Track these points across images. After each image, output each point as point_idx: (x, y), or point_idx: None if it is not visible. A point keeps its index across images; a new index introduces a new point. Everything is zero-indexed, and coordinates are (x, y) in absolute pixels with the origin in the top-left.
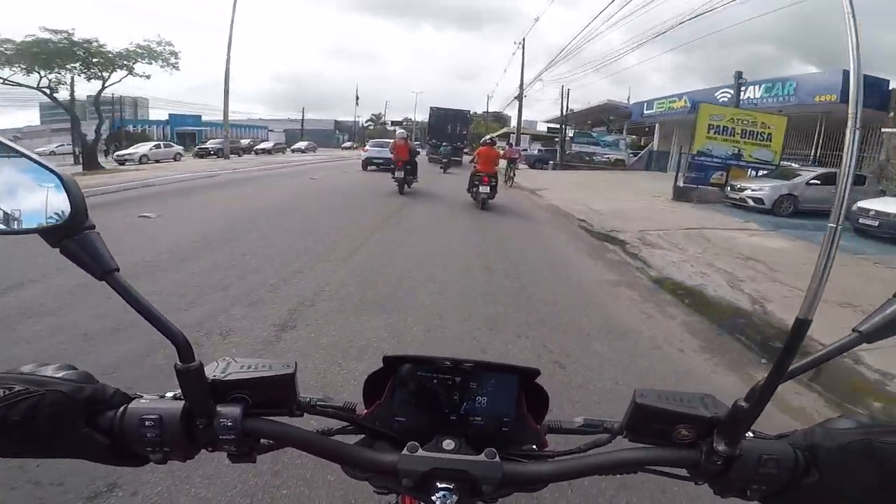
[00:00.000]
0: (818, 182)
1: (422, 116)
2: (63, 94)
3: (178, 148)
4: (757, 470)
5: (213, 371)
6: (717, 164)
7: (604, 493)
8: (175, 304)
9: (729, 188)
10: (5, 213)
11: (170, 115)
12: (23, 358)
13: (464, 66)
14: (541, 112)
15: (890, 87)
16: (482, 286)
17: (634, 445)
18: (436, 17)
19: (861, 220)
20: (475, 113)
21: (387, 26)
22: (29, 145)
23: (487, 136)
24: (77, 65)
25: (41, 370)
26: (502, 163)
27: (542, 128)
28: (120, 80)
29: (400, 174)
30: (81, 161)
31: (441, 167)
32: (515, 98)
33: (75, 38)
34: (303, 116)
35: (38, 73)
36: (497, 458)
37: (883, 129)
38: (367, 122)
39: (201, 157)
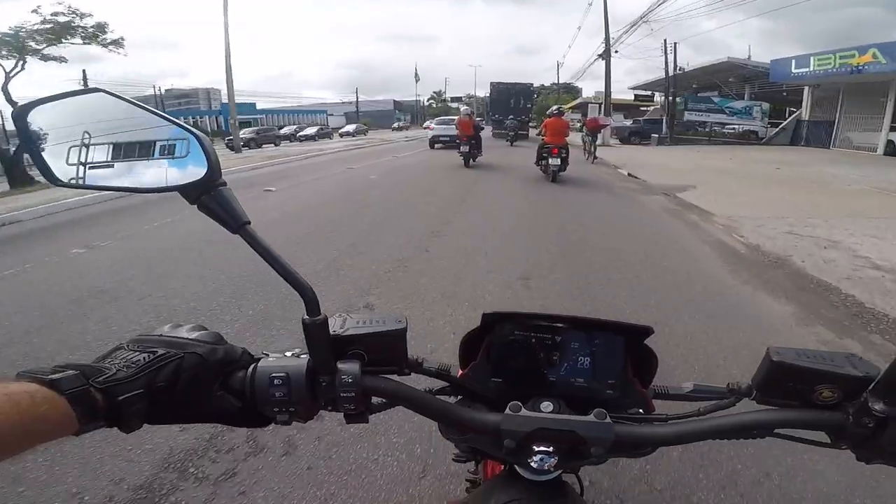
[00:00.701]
0: None
1: (481, 92)
2: None
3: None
4: None
5: (331, 326)
6: None
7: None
8: None
9: None
10: (151, 173)
11: (222, 104)
12: None
13: (524, 40)
14: (615, 84)
15: None
16: None
17: (763, 407)
18: None
19: None
20: (542, 86)
21: (441, 7)
22: None
23: (555, 107)
24: None
25: (177, 332)
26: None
27: (622, 96)
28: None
29: (465, 148)
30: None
31: (508, 140)
32: (600, 56)
33: None
34: (357, 98)
35: None
36: (608, 419)
37: None
38: (428, 100)
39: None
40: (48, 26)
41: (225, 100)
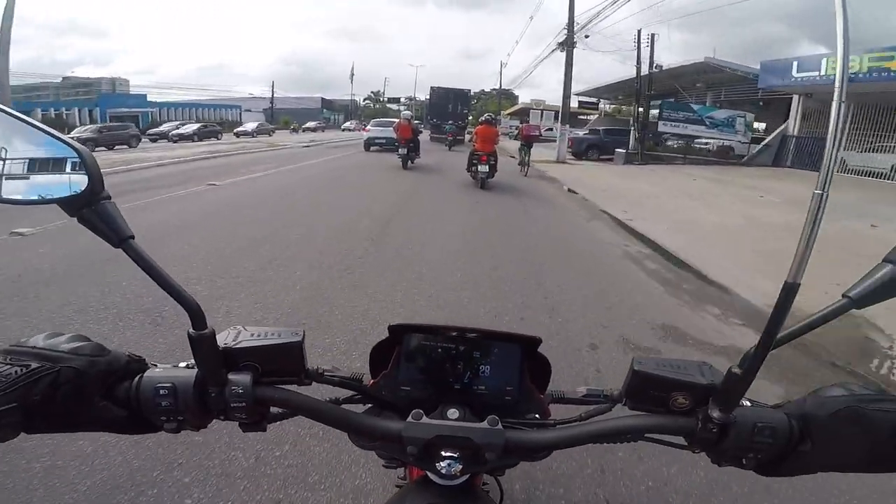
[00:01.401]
0: None
1: (421, 94)
2: None
3: None
4: (752, 438)
5: (223, 339)
6: None
7: (614, 463)
8: None
9: None
10: (26, 185)
11: (100, 96)
12: None
13: (469, 44)
14: (547, 93)
15: None
16: None
17: (634, 413)
18: None
19: None
20: (481, 91)
21: (390, 6)
22: None
23: (486, 115)
24: None
25: (53, 343)
26: (510, 144)
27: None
28: None
29: (403, 151)
30: None
31: (447, 145)
32: (560, 46)
33: None
34: (272, 92)
35: None
36: (499, 426)
37: None
38: (364, 100)
39: None
40: None
41: (134, 91)
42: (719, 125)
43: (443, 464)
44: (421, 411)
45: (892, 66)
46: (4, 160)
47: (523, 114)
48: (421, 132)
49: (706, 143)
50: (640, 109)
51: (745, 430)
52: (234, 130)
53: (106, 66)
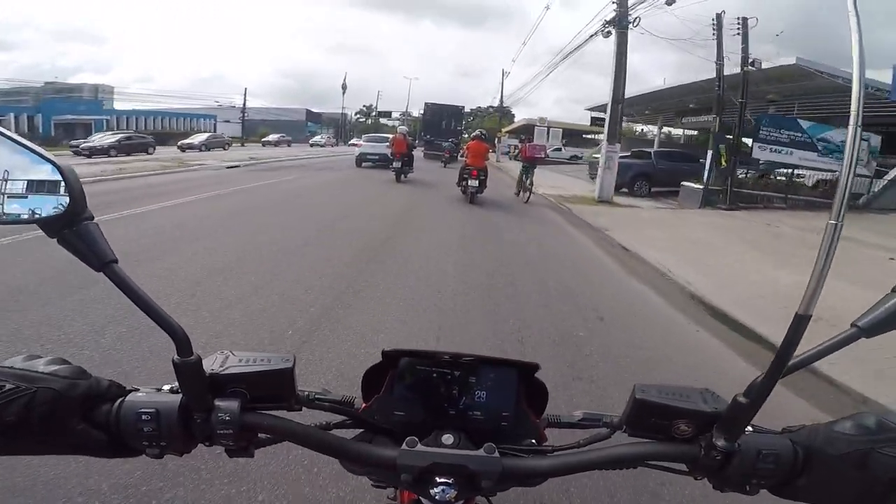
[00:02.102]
0: None
1: (415, 109)
2: None
3: None
4: (755, 465)
5: (210, 364)
6: None
7: (607, 489)
8: None
9: None
10: (4, 203)
11: (42, 101)
12: None
13: (466, 62)
14: (542, 112)
15: None
16: None
17: (634, 440)
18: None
19: None
20: (477, 108)
21: (388, 23)
22: None
23: (478, 131)
24: None
25: (31, 364)
26: (512, 165)
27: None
28: None
29: (397, 164)
30: None
31: (442, 162)
32: (608, 25)
33: None
34: (244, 101)
35: None
36: (496, 453)
37: None
38: (356, 113)
39: None
40: None
41: (118, 97)
42: (834, 151)
43: (437, 489)
44: (415, 438)
45: None
46: None
47: (525, 131)
48: (416, 147)
49: (801, 175)
50: (724, 122)
51: (750, 457)
52: (178, 143)
53: (106, 73)
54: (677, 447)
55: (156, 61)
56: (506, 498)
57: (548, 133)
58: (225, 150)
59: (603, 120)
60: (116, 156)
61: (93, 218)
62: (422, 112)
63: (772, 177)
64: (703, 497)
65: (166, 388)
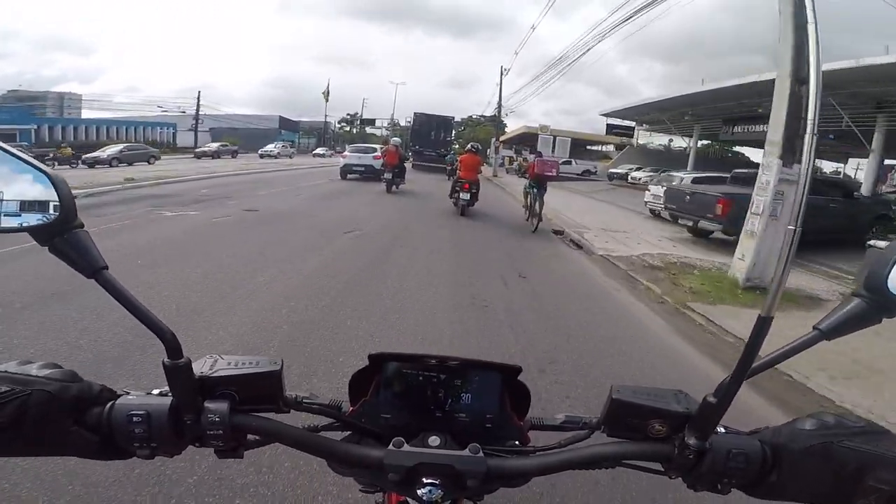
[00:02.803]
0: None
1: (401, 115)
2: None
3: None
4: (726, 464)
5: (200, 367)
6: None
7: (594, 489)
8: None
9: None
10: None
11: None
12: None
13: (453, 74)
14: (533, 123)
15: None
16: None
17: (612, 440)
18: (428, 24)
19: None
20: (469, 117)
21: (378, 33)
22: None
23: (471, 144)
24: None
25: (25, 368)
26: (510, 180)
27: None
28: None
29: (388, 175)
30: None
31: (447, 175)
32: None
33: None
34: (198, 105)
35: None
36: (481, 453)
37: None
38: (339, 122)
39: None
40: None
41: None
42: None
43: (424, 490)
44: (402, 439)
45: None
46: None
47: (524, 141)
48: (407, 158)
49: None
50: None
51: (720, 456)
52: (82, 157)
53: (90, 83)
54: (652, 446)
55: (143, 71)
56: (492, 503)
57: (553, 143)
58: (150, 163)
59: (622, 129)
60: (118, 166)
61: (83, 226)
62: (409, 121)
63: None
64: (685, 498)
65: (156, 391)
